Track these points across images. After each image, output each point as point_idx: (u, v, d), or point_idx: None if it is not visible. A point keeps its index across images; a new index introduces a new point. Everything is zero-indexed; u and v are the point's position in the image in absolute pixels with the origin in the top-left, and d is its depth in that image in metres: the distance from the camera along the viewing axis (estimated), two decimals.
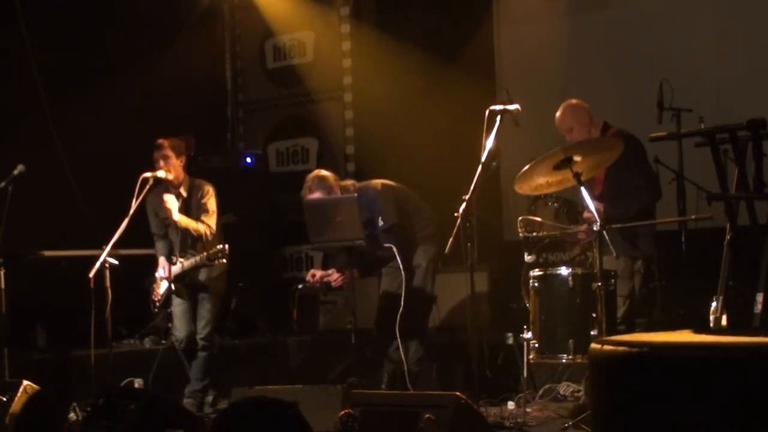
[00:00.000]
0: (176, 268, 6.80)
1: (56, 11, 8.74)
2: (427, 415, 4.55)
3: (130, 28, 9.27)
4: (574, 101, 6.39)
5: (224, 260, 6.60)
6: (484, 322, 7.52)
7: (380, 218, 6.68)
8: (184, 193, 6.90)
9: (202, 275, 6.88)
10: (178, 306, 6.93)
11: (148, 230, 7.12)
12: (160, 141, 6.83)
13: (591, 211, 5.45)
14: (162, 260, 6.96)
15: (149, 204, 6.90)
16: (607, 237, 5.39)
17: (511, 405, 6.27)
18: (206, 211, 6.87)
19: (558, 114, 6.38)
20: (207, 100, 10.41)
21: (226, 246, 6.60)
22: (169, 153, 6.79)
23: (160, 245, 7.07)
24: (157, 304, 6.97)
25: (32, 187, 6.87)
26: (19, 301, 6.97)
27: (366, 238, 6.42)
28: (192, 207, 6.88)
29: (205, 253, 6.67)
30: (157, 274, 6.99)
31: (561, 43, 8.67)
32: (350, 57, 9.93)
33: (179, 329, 6.94)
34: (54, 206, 8.32)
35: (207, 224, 6.82)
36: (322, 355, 8.19)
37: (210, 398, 6.98)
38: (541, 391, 6.73)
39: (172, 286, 6.79)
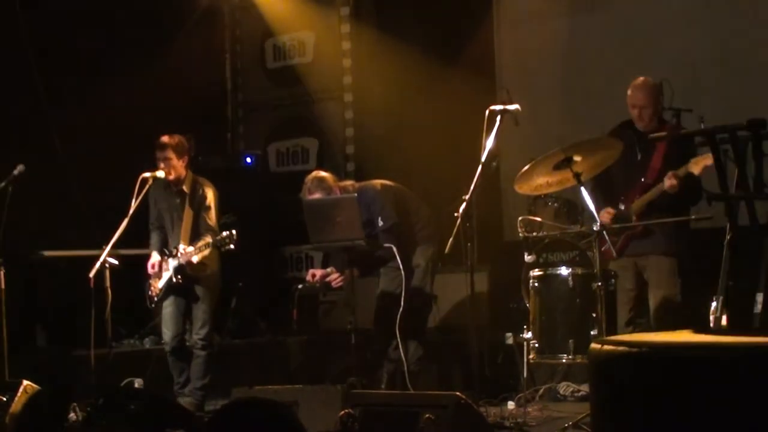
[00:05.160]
0: (174, 262, 6.77)
1: (56, 11, 8.74)
2: (427, 415, 4.55)
3: (130, 28, 9.27)
4: (654, 81, 6.24)
5: (232, 246, 6.55)
6: (484, 322, 7.52)
7: (380, 218, 6.68)
8: (187, 190, 6.90)
9: (196, 272, 6.84)
10: (167, 308, 6.92)
11: (148, 229, 7.11)
12: (164, 141, 6.81)
13: (591, 212, 5.44)
14: (155, 255, 6.94)
15: (150, 195, 6.90)
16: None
17: (511, 405, 6.27)
18: (208, 209, 6.88)
19: (643, 88, 6.19)
20: (207, 100, 10.41)
21: (234, 231, 6.56)
22: (171, 155, 6.78)
23: (154, 237, 7.04)
24: (155, 298, 6.94)
25: (32, 187, 6.87)
26: (19, 301, 6.97)
27: (365, 238, 6.42)
28: (195, 204, 6.88)
29: (210, 240, 6.64)
30: (149, 271, 6.94)
31: (561, 43, 8.67)
32: (350, 57, 9.94)
33: (167, 332, 6.93)
34: (54, 206, 8.33)
35: (211, 229, 6.81)
36: (322, 355, 8.19)
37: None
38: (541, 391, 6.73)
39: (174, 278, 6.77)
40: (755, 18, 7.70)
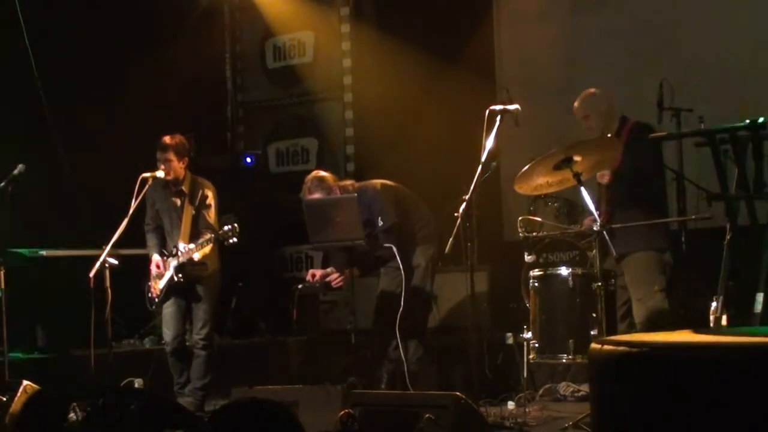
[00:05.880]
0: (174, 261, 6.76)
1: (56, 11, 8.74)
2: (427, 415, 4.56)
3: (130, 28, 9.27)
4: (593, 89, 6.34)
5: (235, 239, 6.56)
6: (484, 322, 7.52)
7: (380, 218, 6.68)
8: (186, 190, 6.90)
9: (196, 272, 6.84)
10: (168, 308, 6.91)
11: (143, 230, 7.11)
12: (165, 141, 6.81)
13: (591, 212, 5.44)
14: (155, 257, 6.93)
15: (148, 195, 6.88)
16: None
17: (511, 405, 6.27)
18: (208, 208, 6.88)
19: (577, 101, 6.32)
20: (207, 100, 10.41)
21: (236, 225, 6.55)
22: (172, 156, 6.78)
23: (152, 239, 7.02)
24: (156, 300, 6.93)
25: (32, 187, 6.87)
26: (19, 301, 6.96)
27: (365, 237, 6.42)
28: (194, 203, 6.89)
29: (211, 236, 6.64)
30: (153, 271, 6.93)
31: (561, 43, 8.67)
32: (350, 57, 9.93)
33: (168, 332, 6.92)
34: (54, 206, 8.33)
35: (210, 227, 6.82)
36: (322, 355, 8.19)
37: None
38: (541, 391, 6.73)
39: (175, 277, 6.76)
40: (755, 18, 7.70)
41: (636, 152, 5.98)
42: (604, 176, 6.02)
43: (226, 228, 6.56)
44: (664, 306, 6.06)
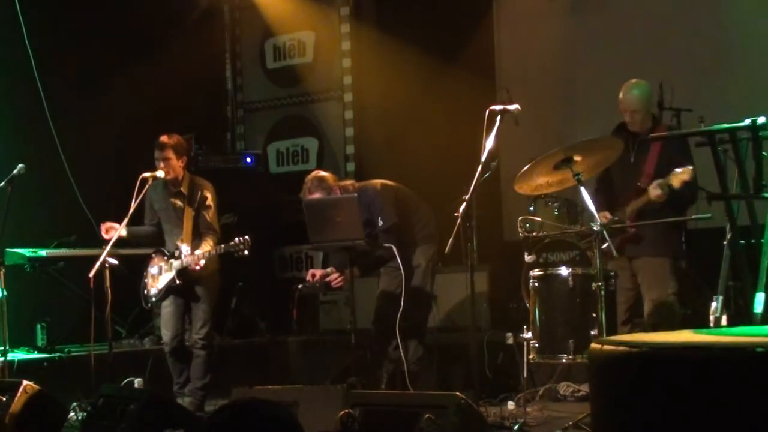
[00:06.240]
0: (177, 263, 6.75)
1: (56, 11, 8.74)
2: (427, 415, 4.55)
3: (130, 28, 9.27)
4: (637, 81, 6.21)
5: (246, 252, 6.55)
6: (484, 322, 7.52)
7: (380, 218, 6.68)
8: (185, 191, 6.90)
9: (196, 272, 6.84)
10: (166, 308, 6.90)
11: None
12: (163, 140, 6.81)
13: (591, 212, 5.44)
14: (123, 231, 6.88)
15: (147, 196, 6.87)
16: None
17: (511, 405, 6.27)
18: (208, 209, 6.88)
19: (625, 93, 6.20)
20: (207, 100, 10.41)
21: (247, 237, 6.55)
22: (170, 155, 6.78)
23: (144, 228, 7.02)
24: (153, 299, 6.92)
25: (32, 187, 6.88)
26: (19, 301, 6.97)
27: (365, 237, 6.42)
28: (194, 204, 6.89)
29: (211, 249, 6.65)
30: (152, 270, 6.93)
31: (561, 43, 8.67)
32: (350, 57, 9.94)
33: (166, 332, 6.91)
34: (54, 206, 8.33)
35: (210, 227, 6.83)
36: (322, 355, 8.19)
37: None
38: (541, 391, 6.73)
39: (177, 280, 6.77)
40: (755, 17, 7.70)
41: (670, 156, 5.95)
42: (661, 197, 5.88)
43: (237, 240, 6.55)
44: (674, 304, 6.06)
